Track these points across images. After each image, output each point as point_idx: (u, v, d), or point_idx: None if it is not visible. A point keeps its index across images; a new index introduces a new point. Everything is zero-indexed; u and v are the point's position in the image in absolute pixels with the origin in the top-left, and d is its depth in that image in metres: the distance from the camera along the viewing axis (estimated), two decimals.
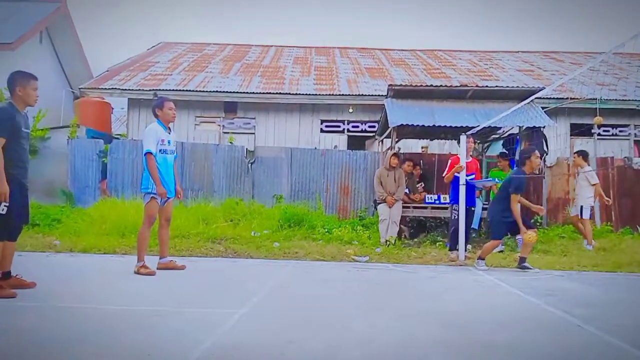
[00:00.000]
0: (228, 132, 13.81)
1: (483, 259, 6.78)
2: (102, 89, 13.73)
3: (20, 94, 4.34)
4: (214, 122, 14.14)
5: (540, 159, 10.06)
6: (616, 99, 13.54)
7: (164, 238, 6.01)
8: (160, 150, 5.69)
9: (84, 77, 17.52)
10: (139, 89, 13.66)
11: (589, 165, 9.12)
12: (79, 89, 14.28)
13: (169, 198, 5.78)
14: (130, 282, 5.09)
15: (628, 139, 14.07)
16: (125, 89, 13.65)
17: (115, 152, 11.28)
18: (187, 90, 13.72)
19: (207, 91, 13.76)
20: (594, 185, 8.81)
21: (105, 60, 23.23)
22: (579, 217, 8.80)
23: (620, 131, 14.12)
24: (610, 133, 14.07)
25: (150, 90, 13.60)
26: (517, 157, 9.68)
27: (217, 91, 13.80)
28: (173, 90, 13.64)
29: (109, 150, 11.29)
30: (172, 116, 5.89)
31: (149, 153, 5.56)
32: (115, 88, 13.66)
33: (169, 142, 5.81)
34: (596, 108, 10.25)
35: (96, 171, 11.31)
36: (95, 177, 11.30)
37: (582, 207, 8.75)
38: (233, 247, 7.94)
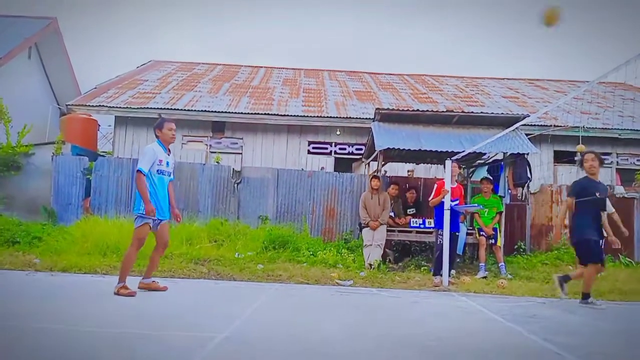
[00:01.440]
0: (215, 152, 13.79)
1: (589, 294, 6.04)
2: (89, 105, 13.68)
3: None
4: (201, 142, 14.13)
5: (524, 186, 10.22)
6: (599, 128, 13.80)
7: (155, 261, 5.92)
8: (157, 171, 5.62)
9: (71, 94, 17.48)
10: (127, 107, 13.64)
11: None
12: (66, 105, 14.23)
13: (161, 220, 5.67)
14: (110, 303, 5.01)
15: (610, 167, 14.29)
16: (113, 107, 13.62)
17: (100, 170, 11.19)
18: (175, 109, 13.71)
19: (195, 110, 13.77)
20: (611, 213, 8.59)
21: (93, 77, 23.25)
22: None
23: (603, 158, 14.32)
24: None
25: (137, 108, 13.59)
26: (500, 182, 9.81)
27: (205, 110, 13.81)
28: (161, 108, 13.63)
29: (94, 168, 11.20)
30: (172, 137, 5.80)
31: (139, 171, 5.48)
32: (103, 105, 13.62)
33: (167, 163, 5.73)
34: (579, 136, 10.42)
35: (80, 189, 11.20)
36: (79, 194, 11.19)
37: None
38: (216, 268, 7.88)
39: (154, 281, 5.91)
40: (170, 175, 5.82)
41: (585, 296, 6.03)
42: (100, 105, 13.62)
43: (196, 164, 11.96)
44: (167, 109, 13.68)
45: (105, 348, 3.29)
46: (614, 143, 14.13)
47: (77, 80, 19.10)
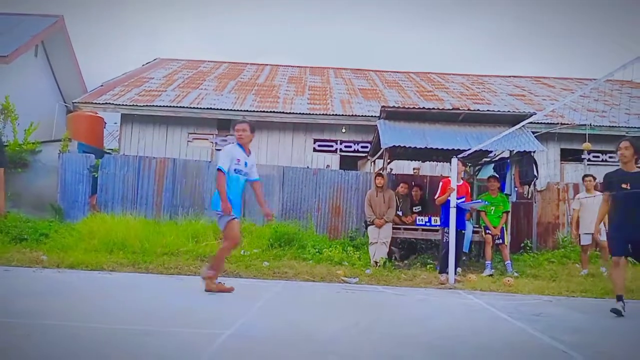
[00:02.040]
0: (220, 149, 13.79)
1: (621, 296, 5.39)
2: (95, 103, 13.72)
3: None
4: (207, 139, 14.16)
5: (530, 184, 10.17)
6: (606, 126, 13.72)
7: (222, 259, 5.93)
8: (234, 170, 5.67)
9: (77, 91, 17.53)
10: (133, 105, 13.67)
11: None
12: (73, 103, 14.28)
13: (234, 217, 5.65)
14: (117, 300, 5.04)
15: (617, 165, 14.19)
16: (119, 104, 13.65)
17: (106, 167, 11.24)
18: (180, 107, 13.74)
19: (200, 108, 13.79)
20: None
21: (100, 75, 23.33)
22: (592, 245, 8.63)
23: (610, 157, 14.25)
24: (600, 159, 14.21)
25: (143, 105, 13.62)
26: (507, 180, 9.77)
27: (210, 108, 13.83)
28: (166, 106, 13.67)
29: (100, 165, 11.25)
30: (238, 137, 5.84)
31: (219, 169, 5.58)
32: (109, 103, 13.66)
33: (245, 163, 5.77)
34: (586, 134, 10.36)
35: (86, 186, 11.25)
36: (85, 192, 11.24)
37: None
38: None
39: (220, 282, 5.82)
40: (247, 175, 5.85)
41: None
42: (106, 103, 13.67)
43: (202, 161, 11.99)
44: (173, 106, 13.72)
45: (112, 345, 3.31)
46: (620, 141, 14.02)
47: (84, 77, 19.18)
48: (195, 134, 14.12)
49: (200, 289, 5.77)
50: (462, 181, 8.34)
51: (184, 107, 13.76)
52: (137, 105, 13.65)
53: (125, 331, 3.70)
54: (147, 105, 13.67)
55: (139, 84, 15.94)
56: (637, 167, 5.70)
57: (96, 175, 11.23)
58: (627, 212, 5.46)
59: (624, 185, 5.55)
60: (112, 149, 15.76)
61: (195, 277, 7.06)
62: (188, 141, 14.04)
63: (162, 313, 4.49)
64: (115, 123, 16.01)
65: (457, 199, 7.83)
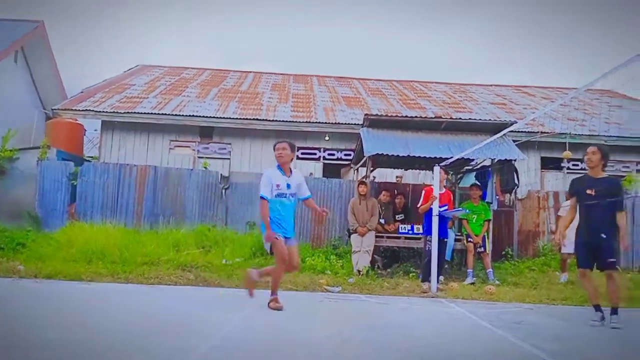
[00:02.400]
0: (203, 157, 13.71)
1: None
2: (75, 110, 13.53)
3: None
4: (189, 147, 14.04)
5: (511, 192, 10.25)
6: (585, 134, 13.91)
7: (278, 278, 5.80)
8: (276, 195, 5.55)
9: (57, 98, 17.30)
10: (113, 111, 13.51)
11: None
12: (52, 109, 14.07)
13: (287, 238, 5.58)
14: (96, 311, 4.94)
15: None
16: (99, 111, 13.48)
17: (85, 175, 11.07)
18: (162, 114, 13.62)
19: (182, 115, 13.69)
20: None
21: (80, 82, 23.07)
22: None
23: (588, 165, 14.46)
24: (579, 167, 14.39)
25: (124, 112, 13.47)
26: (488, 189, 9.85)
27: (193, 115, 13.73)
28: (148, 113, 13.54)
29: (80, 173, 11.07)
30: (278, 156, 5.70)
31: (261, 198, 5.53)
32: (89, 110, 13.48)
33: (287, 185, 5.61)
34: (566, 142, 10.48)
35: (65, 194, 11.05)
36: (64, 200, 11.04)
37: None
38: (203, 275, 7.79)
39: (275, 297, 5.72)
40: (294, 196, 5.71)
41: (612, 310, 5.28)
42: (86, 110, 13.48)
43: (183, 169, 11.88)
44: (155, 113, 13.59)
45: (90, 357, 3.22)
46: (589, 146, 14.23)
47: (64, 84, 18.92)
48: (177, 141, 14.00)
49: (180, 298, 5.68)
50: (444, 189, 8.38)
51: (166, 114, 13.64)
52: (118, 112, 13.49)
53: (104, 343, 3.62)
54: (128, 112, 13.52)
55: (120, 91, 15.77)
56: (604, 173, 5.63)
57: (75, 183, 11.05)
58: (590, 220, 5.42)
59: (589, 192, 5.48)
60: (92, 157, 15.54)
61: (177, 287, 6.98)
62: (170, 149, 13.91)
63: (142, 324, 4.41)
64: (96, 130, 15.80)
65: (440, 207, 7.86)
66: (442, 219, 7.95)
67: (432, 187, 8.15)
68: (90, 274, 7.32)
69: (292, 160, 5.78)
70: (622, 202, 5.56)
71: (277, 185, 5.58)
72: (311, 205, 6.06)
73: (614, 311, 5.21)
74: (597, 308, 5.34)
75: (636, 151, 14.43)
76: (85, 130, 15.42)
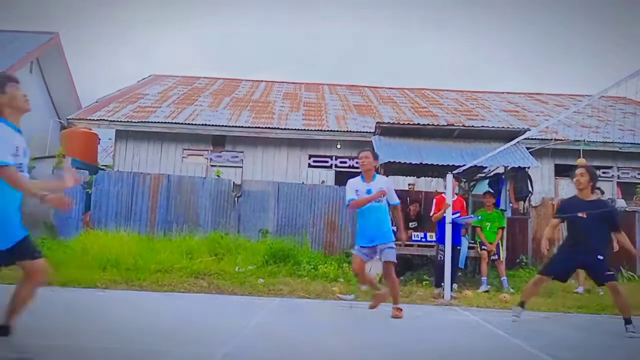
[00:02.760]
0: (215, 166, 13.79)
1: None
2: (90, 119, 13.70)
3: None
4: (202, 155, 14.14)
5: (525, 200, 10.18)
6: (600, 141, 13.80)
7: (388, 286, 5.97)
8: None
9: (72, 108, 17.51)
10: (127, 121, 13.66)
11: None
12: (67, 119, 14.26)
13: (374, 245, 5.77)
14: (110, 319, 4.97)
15: (611, 181, 14.28)
16: (113, 120, 13.64)
17: (100, 184, 11.17)
18: (175, 123, 13.74)
19: (195, 124, 13.80)
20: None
21: (94, 92, 23.38)
22: None
23: (603, 173, 14.33)
24: None
25: (138, 122, 13.61)
26: (502, 196, 9.78)
27: (205, 124, 13.84)
28: (161, 122, 13.67)
29: (94, 182, 11.18)
30: (361, 164, 5.99)
31: (348, 204, 6.04)
32: (104, 119, 13.65)
33: (367, 191, 5.85)
34: (580, 150, 10.41)
35: (80, 202, 11.15)
36: (79, 208, 11.14)
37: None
38: (217, 282, 7.82)
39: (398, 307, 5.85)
40: (378, 202, 5.81)
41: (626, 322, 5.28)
42: (101, 119, 13.65)
43: (196, 177, 11.94)
44: (168, 122, 13.72)
45: None
46: (614, 156, 14.13)
47: (78, 94, 19.16)
48: (190, 149, 14.11)
49: (194, 306, 5.68)
50: (456, 196, 8.35)
51: (178, 123, 13.76)
52: (131, 122, 13.64)
53: (118, 350, 3.64)
54: (141, 122, 13.66)
55: (134, 100, 15.95)
56: (593, 195, 5.75)
57: (90, 192, 11.16)
58: (585, 242, 5.46)
59: (580, 215, 5.52)
60: (106, 165, 15.71)
61: (190, 295, 7.00)
62: (183, 157, 14.02)
63: (156, 331, 4.43)
64: (110, 139, 15.97)
65: (452, 214, 7.82)
66: (455, 226, 7.91)
67: (443, 195, 8.13)
68: (105, 282, 7.36)
69: (375, 168, 6.07)
70: (619, 223, 5.67)
71: (356, 191, 5.90)
72: (395, 215, 6.22)
73: (628, 321, 5.21)
74: (523, 305, 5.75)
75: None
76: (100, 139, 15.59)
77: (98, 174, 11.50)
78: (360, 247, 5.85)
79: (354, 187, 5.95)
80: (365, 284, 6.33)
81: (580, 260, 5.52)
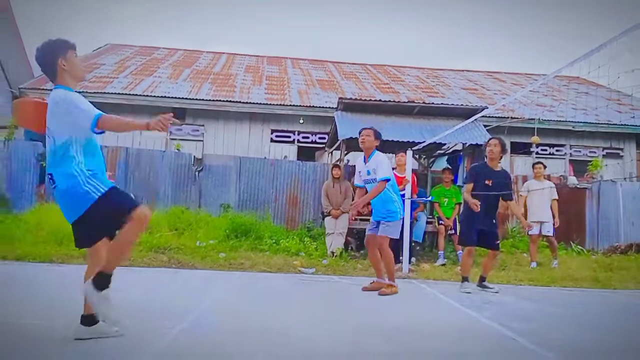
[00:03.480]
0: (175, 139, 13.55)
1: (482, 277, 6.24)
2: (43, 89, 13.18)
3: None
4: None
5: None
6: (554, 120, 14.24)
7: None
8: (364, 182, 5.91)
9: (24, 77, 16.76)
10: (83, 91, 13.18)
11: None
12: (19, 88, 13.68)
13: (378, 221, 5.83)
14: (65, 294, 4.87)
15: (564, 158, 14.80)
16: None
17: None
18: (133, 95, 13.39)
19: (154, 96, 13.48)
20: (554, 200, 8.90)
21: None
22: (541, 234, 8.78)
23: (557, 150, 14.84)
24: (547, 152, 14.76)
25: (94, 92, 13.18)
26: (459, 173, 10.02)
27: (165, 96, 13.54)
28: (119, 94, 13.29)
29: None
30: (361, 141, 5.88)
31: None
32: None
33: (367, 172, 5.78)
34: (534, 128, 10.72)
35: (34, 175, 10.80)
36: (33, 181, 10.79)
37: (544, 224, 8.68)
38: (177, 257, 7.76)
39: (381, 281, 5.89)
40: (374, 182, 5.71)
41: (481, 279, 6.20)
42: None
43: (155, 151, 11.72)
44: (126, 94, 13.35)
45: (58, 341, 3.20)
46: (567, 135, 14.62)
47: (31, 62, 18.33)
48: None
49: (155, 279, 5.63)
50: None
51: (137, 94, 13.42)
52: (87, 92, 13.19)
53: (71, 327, 3.59)
54: (97, 92, 13.25)
55: (89, 70, 15.40)
56: (500, 165, 6.22)
57: (44, 164, 10.80)
58: (486, 207, 5.95)
59: (487, 182, 6.00)
60: None
61: (149, 269, 6.94)
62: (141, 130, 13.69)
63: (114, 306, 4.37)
64: None
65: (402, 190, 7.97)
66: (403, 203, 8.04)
67: (395, 173, 8.27)
68: (61, 256, 7.21)
69: (375, 147, 5.87)
70: (512, 193, 6.46)
71: (359, 173, 5.90)
72: (373, 188, 5.73)
73: (483, 279, 6.15)
74: (466, 279, 6.12)
75: (602, 137, 14.84)
76: None
77: None
78: (373, 221, 5.95)
79: (357, 169, 5.98)
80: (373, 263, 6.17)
81: (481, 223, 5.99)
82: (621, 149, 14.94)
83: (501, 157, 6.16)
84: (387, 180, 5.64)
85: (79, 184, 3.09)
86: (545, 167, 9.24)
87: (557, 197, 8.96)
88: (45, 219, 8.66)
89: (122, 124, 3.18)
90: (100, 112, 3.11)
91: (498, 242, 6.17)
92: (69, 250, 7.48)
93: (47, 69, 3.27)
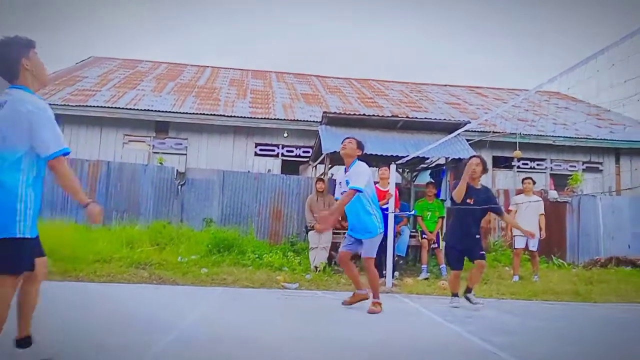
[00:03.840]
0: (158, 152, 13.46)
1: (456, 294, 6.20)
2: None
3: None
4: (144, 142, 13.75)
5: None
6: (534, 134, 14.42)
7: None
8: (341, 194, 5.49)
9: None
10: (64, 104, 13.07)
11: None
12: None
13: (358, 240, 5.66)
14: (43, 311, 4.77)
15: (545, 172, 14.98)
16: (50, 104, 12.91)
17: None
18: (116, 108, 13.29)
19: (137, 109, 13.39)
20: (541, 215, 9.01)
21: None
22: (526, 249, 8.87)
23: (537, 164, 15.02)
24: (528, 166, 14.93)
25: (76, 105, 13.05)
26: (442, 186, 10.08)
27: (148, 110, 13.45)
28: (102, 107, 13.18)
29: None
30: (342, 148, 5.66)
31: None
32: None
33: (347, 181, 5.47)
34: (516, 142, 10.84)
35: None
36: None
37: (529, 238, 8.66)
38: (158, 272, 7.66)
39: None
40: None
41: (467, 290, 6.13)
42: None
43: (138, 164, 11.62)
44: (108, 107, 13.25)
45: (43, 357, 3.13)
46: (548, 149, 14.82)
47: None
48: (132, 135, 13.69)
49: (136, 295, 5.55)
50: (388, 186, 8.47)
51: (120, 107, 13.32)
52: (69, 105, 13.07)
53: (57, 343, 3.51)
54: (80, 105, 13.12)
55: (72, 83, 15.29)
56: (480, 182, 6.22)
57: None
58: (466, 224, 5.99)
59: (469, 200, 5.99)
60: None
61: (130, 285, 6.83)
62: (123, 143, 13.58)
63: (93, 324, 4.30)
64: None
65: (386, 204, 8.00)
66: (383, 216, 8.04)
67: (377, 186, 8.32)
68: None
69: (355, 156, 5.61)
70: (500, 207, 6.59)
71: (339, 184, 5.63)
72: (342, 198, 5.38)
73: (469, 290, 6.10)
74: (456, 295, 6.12)
75: (582, 151, 15.07)
76: None
77: None
78: (347, 235, 5.78)
79: (338, 180, 5.79)
80: (350, 277, 6.04)
81: (464, 243, 6.01)
82: (600, 163, 15.17)
83: (481, 176, 6.16)
84: (358, 190, 5.28)
85: (15, 199, 2.81)
86: (534, 182, 9.36)
87: (544, 212, 9.07)
88: None
89: (71, 178, 2.97)
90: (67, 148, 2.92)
91: (483, 252, 6.11)
92: (47, 266, 7.33)
93: (6, 68, 2.93)
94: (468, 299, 6.09)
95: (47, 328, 3.96)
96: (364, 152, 5.83)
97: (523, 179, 9.45)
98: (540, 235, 8.89)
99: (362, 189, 5.35)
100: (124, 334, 3.92)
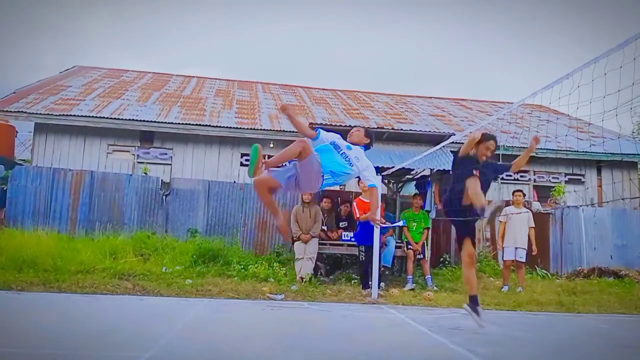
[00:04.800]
0: (143, 162, 13.35)
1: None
2: (7, 111, 12.84)
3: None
4: (128, 152, 13.64)
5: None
6: (517, 147, 14.58)
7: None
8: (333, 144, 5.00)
9: None
10: (48, 114, 12.93)
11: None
12: None
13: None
14: (26, 322, 4.70)
15: (528, 184, 15.15)
16: (33, 113, 12.86)
17: (17, 179, 10.53)
18: (100, 117, 13.17)
19: (122, 119, 13.28)
20: (531, 228, 9.15)
21: (12, 82, 21.95)
22: (515, 260, 8.94)
23: (521, 176, 15.19)
24: (512, 178, 15.08)
25: (60, 115, 12.92)
26: (427, 197, 10.16)
27: (133, 119, 13.35)
28: (85, 116, 13.06)
29: (10, 177, 10.52)
30: (350, 134, 5.29)
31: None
32: (22, 111, 12.83)
33: (348, 147, 5.07)
34: (499, 154, 10.95)
35: None
36: None
37: (518, 249, 8.88)
38: (142, 283, 7.58)
39: None
40: (347, 167, 4.92)
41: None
42: (19, 111, 12.82)
43: (122, 174, 11.53)
44: (92, 116, 13.13)
45: None
46: (531, 161, 14.97)
47: None
48: (116, 145, 13.56)
49: (119, 307, 5.48)
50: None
51: (104, 117, 13.20)
52: (52, 115, 12.92)
53: (34, 356, 3.46)
54: (63, 115, 12.98)
55: (55, 92, 15.12)
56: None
57: (5, 188, 10.49)
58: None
59: (475, 172, 5.73)
60: (24, 160, 14.80)
61: (113, 296, 6.75)
62: (108, 153, 13.45)
63: (76, 336, 4.24)
64: (30, 132, 15.06)
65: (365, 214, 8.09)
66: (369, 227, 8.08)
67: (361, 198, 8.47)
68: (20, 283, 6.95)
69: (362, 143, 5.19)
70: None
71: (334, 142, 5.06)
72: (374, 195, 5.11)
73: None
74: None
75: (564, 163, 15.28)
76: (17, 132, 14.69)
77: (15, 169, 10.86)
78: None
79: (331, 138, 5.16)
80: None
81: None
82: (582, 175, 15.39)
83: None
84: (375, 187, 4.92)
85: None
86: (524, 194, 9.49)
87: (534, 225, 9.19)
88: (5, 245, 8.37)
89: None
90: None
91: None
92: (29, 277, 7.24)
93: None
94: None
95: (26, 339, 3.91)
96: (372, 143, 5.36)
97: (513, 192, 9.65)
98: (531, 250, 9.04)
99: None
100: (106, 347, 3.87)
